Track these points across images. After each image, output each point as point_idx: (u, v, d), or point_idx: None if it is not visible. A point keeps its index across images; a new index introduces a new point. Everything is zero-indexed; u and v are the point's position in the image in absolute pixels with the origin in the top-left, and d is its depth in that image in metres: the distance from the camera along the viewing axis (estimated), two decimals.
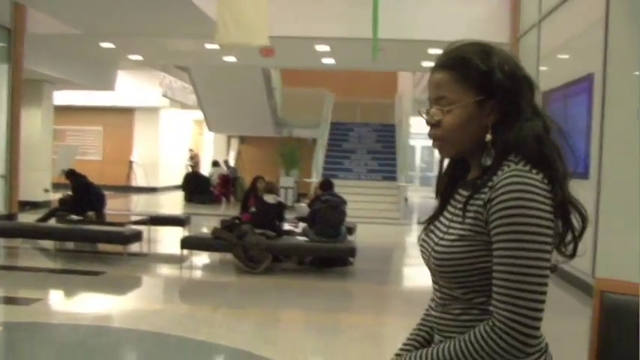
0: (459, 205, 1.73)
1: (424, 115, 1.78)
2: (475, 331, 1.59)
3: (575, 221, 1.65)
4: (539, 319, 1.54)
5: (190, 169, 26.00)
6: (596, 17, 8.57)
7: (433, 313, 1.82)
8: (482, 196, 1.63)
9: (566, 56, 10.66)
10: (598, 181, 8.38)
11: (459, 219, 1.70)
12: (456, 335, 1.66)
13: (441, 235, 1.74)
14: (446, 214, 1.81)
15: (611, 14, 8.21)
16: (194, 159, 27.56)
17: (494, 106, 1.68)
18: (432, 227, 1.84)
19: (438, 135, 1.74)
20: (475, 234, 1.64)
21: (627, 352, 1.90)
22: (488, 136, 1.70)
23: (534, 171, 1.60)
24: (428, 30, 12.70)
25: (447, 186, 1.87)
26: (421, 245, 1.84)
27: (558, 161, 1.65)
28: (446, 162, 1.89)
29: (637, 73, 7.80)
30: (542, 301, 1.54)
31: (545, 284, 1.54)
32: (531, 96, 1.71)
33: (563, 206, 1.62)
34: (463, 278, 1.67)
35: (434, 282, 1.81)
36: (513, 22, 13.14)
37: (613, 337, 1.96)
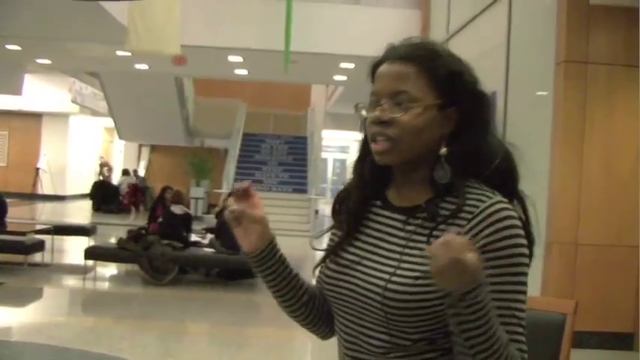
0: (404, 235, 1.47)
1: (365, 112, 1.50)
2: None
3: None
4: None
5: (103, 178, 25.50)
6: (499, 40, 8.86)
7: None
8: (457, 229, 1.37)
9: None
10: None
11: (415, 251, 1.43)
12: None
13: (389, 269, 1.43)
14: (367, 238, 1.54)
15: (513, 38, 8.52)
16: (105, 166, 26.98)
17: (452, 115, 1.45)
18: (346, 255, 1.54)
19: (391, 134, 1.42)
20: None
21: None
22: (444, 149, 1.44)
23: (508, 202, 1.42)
24: (339, 44, 12.84)
25: (360, 204, 1.56)
26: (332, 277, 1.53)
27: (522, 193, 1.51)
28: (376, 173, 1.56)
29: (538, 93, 8.09)
30: None
31: None
32: (491, 111, 1.51)
33: (531, 245, 1.45)
34: (425, 321, 1.39)
35: (359, 324, 1.48)
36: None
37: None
